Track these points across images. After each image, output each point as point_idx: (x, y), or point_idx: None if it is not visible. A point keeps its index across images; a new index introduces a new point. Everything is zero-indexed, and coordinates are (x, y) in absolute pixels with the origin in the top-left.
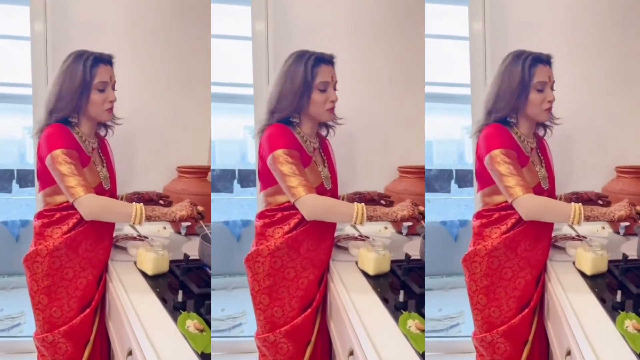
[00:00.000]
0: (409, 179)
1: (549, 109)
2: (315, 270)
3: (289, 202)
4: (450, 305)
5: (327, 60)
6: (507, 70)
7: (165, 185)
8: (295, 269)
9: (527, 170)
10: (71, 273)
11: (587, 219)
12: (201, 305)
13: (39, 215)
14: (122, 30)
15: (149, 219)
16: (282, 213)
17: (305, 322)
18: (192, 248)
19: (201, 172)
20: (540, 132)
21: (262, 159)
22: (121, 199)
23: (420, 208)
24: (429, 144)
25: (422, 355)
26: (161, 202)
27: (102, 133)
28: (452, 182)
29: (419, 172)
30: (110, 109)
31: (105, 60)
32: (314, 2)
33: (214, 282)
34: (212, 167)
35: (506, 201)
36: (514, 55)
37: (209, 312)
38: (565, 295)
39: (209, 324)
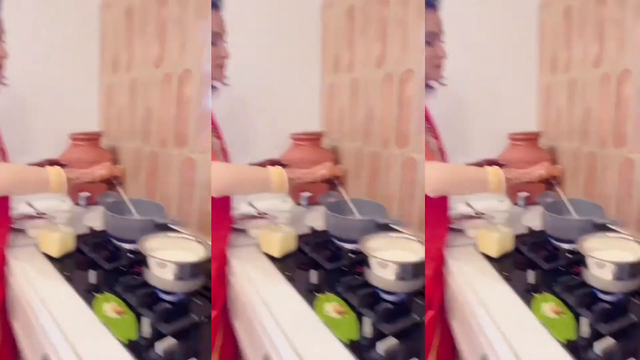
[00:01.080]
0: (304, 146)
1: (439, 66)
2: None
3: None
4: None
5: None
6: None
7: (60, 154)
8: None
9: None
10: None
11: (508, 181)
12: (115, 282)
13: None
14: None
15: (69, 181)
16: None
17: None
18: (94, 219)
19: (93, 138)
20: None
21: None
22: None
23: (341, 167)
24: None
25: (350, 345)
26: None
27: None
28: None
29: (314, 138)
30: None
31: None
32: None
33: None
34: None
35: None
36: None
37: (127, 289)
38: (471, 286)
39: (129, 305)
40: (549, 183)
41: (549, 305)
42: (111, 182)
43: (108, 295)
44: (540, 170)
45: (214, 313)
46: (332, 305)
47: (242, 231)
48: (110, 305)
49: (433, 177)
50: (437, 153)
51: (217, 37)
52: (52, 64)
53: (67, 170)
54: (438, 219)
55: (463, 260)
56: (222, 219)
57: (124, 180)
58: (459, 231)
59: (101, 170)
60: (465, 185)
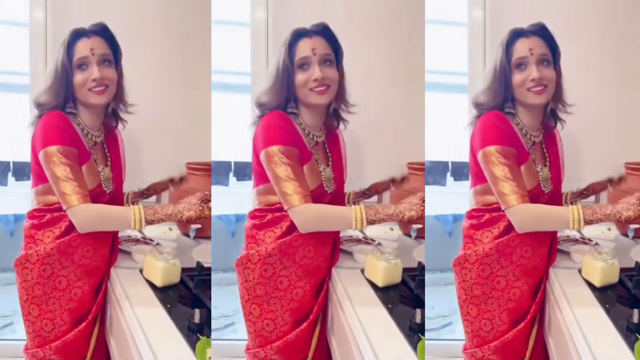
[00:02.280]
0: (420, 176)
1: (536, 89)
2: (312, 280)
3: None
4: (443, 302)
5: (308, 32)
6: (496, 55)
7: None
8: (288, 278)
9: (526, 168)
10: (64, 282)
11: (589, 222)
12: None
13: (30, 215)
14: (125, 20)
15: (150, 223)
16: (272, 214)
17: (299, 337)
18: (202, 254)
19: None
20: (552, 123)
21: (255, 152)
22: (127, 198)
23: None
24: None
25: None
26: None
27: (114, 124)
28: (448, 174)
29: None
30: (97, 89)
31: (86, 32)
32: None
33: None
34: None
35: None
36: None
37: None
38: (571, 309)
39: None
40: None
41: None
42: None
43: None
44: (628, 212)
45: (304, 324)
46: None
47: (348, 253)
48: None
49: (519, 219)
50: (546, 182)
51: (308, 60)
52: (176, 91)
53: (151, 211)
54: (541, 240)
55: (565, 282)
56: (326, 243)
57: None
58: (566, 253)
59: (189, 213)
60: (547, 224)
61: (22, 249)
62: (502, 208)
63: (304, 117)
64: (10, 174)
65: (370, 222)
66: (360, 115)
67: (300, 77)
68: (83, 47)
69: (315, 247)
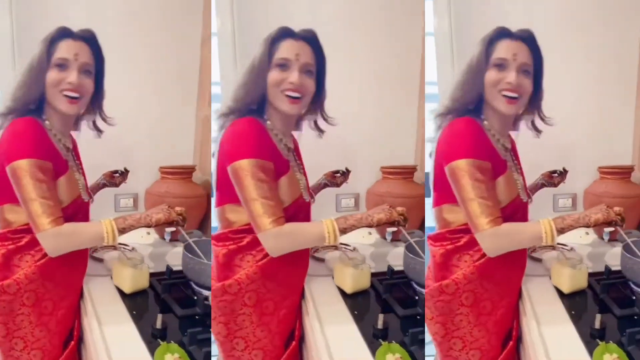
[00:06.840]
0: (392, 180)
1: (509, 95)
2: (295, 297)
3: None
4: None
5: (295, 34)
6: (474, 51)
7: (147, 187)
8: (274, 301)
9: (505, 180)
10: (50, 306)
11: (561, 231)
12: (184, 331)
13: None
14: (108, 28)
15: (122, 231)
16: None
17: (289, 358)
18: (176, 257)
19: (185, 172)
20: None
21: (222, 165)
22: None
23: (399, 209)
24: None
25: None
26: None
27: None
28: None
29: (404, 172)
30: (70, 96)
31: (74, 34)
32: None
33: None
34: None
35: None
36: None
37: (195, 342)
38: (536, 320)
39: (192, 357)
40: None
41: (611, 357)
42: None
43: (172, 345)
44: (597, 214)
45: (292, 343)
46: (394, 357)
47: (321, 260)
48: (173, 357)
49: (491, 244)
50: (523, 191)
51: (290, 63)
52: (150, 97)
53: (121, 220)
54: (519, 251)
55: (535, 291)
56: (302, 254)
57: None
58: (538, 260)
59: (158, 215)
60: (520, 243)
61: None
62: (473, 232)
63: (273, 120)
64: None
65: (342, 231)
66: (352, 124)
67: (275, 74)
68: (66, 48)
69: (296, 260)
